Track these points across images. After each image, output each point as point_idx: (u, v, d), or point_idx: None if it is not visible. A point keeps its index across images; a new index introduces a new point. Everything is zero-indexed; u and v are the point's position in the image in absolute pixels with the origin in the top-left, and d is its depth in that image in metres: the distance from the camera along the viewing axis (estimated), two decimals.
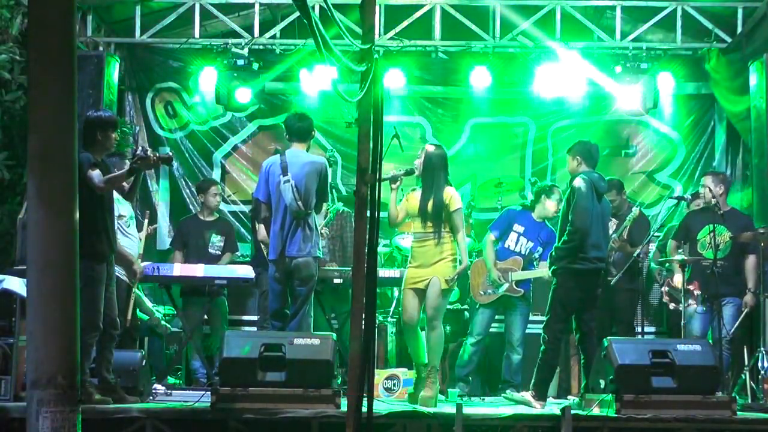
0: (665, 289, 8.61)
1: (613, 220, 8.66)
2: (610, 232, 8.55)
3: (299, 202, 7.33)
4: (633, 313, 8.69)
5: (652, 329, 9.24)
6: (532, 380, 7.19)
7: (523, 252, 8.54)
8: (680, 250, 8.39)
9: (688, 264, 8.01)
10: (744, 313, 8.21)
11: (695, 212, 8.53)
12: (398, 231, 9.10)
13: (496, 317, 8.71)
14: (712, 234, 7.99)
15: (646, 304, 8.91)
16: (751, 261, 8.26)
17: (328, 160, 9.15)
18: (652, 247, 9.08)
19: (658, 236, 9.24)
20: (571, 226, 7.06)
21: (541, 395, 6.98)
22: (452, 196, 7.34)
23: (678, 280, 8.27)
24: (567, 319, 7.17)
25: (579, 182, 7.13)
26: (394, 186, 7.35)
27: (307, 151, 7.73)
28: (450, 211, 7.28)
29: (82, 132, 6.54)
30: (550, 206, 8.47)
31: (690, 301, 8.10)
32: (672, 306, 8.57)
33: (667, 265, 8.66)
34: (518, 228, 8.55)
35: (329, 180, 7.66)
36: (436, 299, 7.26)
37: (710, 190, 8.23)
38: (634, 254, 8.40)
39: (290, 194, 7.35)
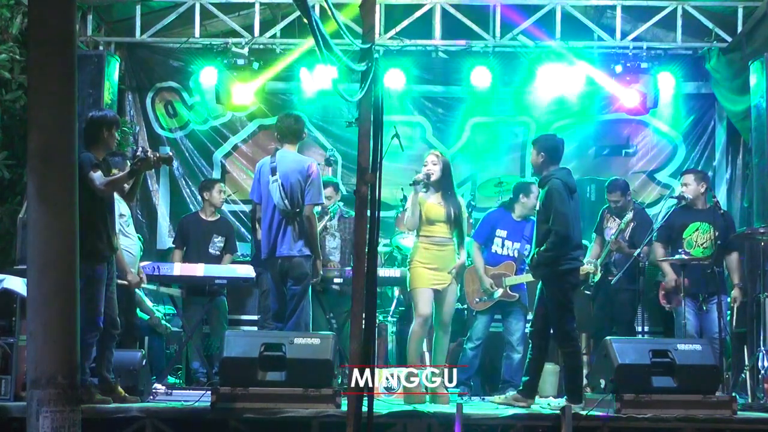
0: (662, 292, 8.61)
1: (617, 220, 8.67)
2: (612, 231, 8.56)
3: (286, 201, 7.36)
4: (633, 313, 8.69)
5: (653, 329, 9.24)
6: (567, 388, 7.14)
7: (511, 254, 8.57)
8: (680, 250, 8.39)
9: (677, 263, 8.04)
10: (734, 308, 8.24)
11: (676, 211, 8.49)
12: (398, 231, 9.10)
13: (495, 317, 8.72)
14: (699, 232, 8.03)
15: (646, 304, 8.90)
16: (734, 257, 8.29)
17: (328, 159, 9.16)
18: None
19: None
20: (554, 235, 6.94)
21: (578, 398, 6.90)
22: (462, 204, 7.66)
23: (671, 281, 8.29)
24: (574, 317, 7.08)
25: (554, 188, 6.99)
26: (419, 190, 7.42)
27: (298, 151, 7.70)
28: (463, 218, 7.58)
29: (84, 131, 6.57)
30: (529, 203, 8.51)
31: (683, 301, 8.14)
32: (668, 307, 8.59)
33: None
34: (501, 233, 8.57)
35: (319, 180, 7.51)
36: (453, 305, 7.56)
37: (701, 188, 8.27)
38: (635, 254, 8.42)
39: (278, 194, 7.39)
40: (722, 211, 8.22)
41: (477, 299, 8.55)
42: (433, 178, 7.44)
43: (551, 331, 7.16)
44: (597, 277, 8.63)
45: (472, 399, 8.09)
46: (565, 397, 6.97)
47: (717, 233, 8.11)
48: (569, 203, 6.99)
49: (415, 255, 7.52)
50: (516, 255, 8.55)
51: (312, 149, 10.27)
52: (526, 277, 8.39)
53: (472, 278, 8.60)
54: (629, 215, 8.51)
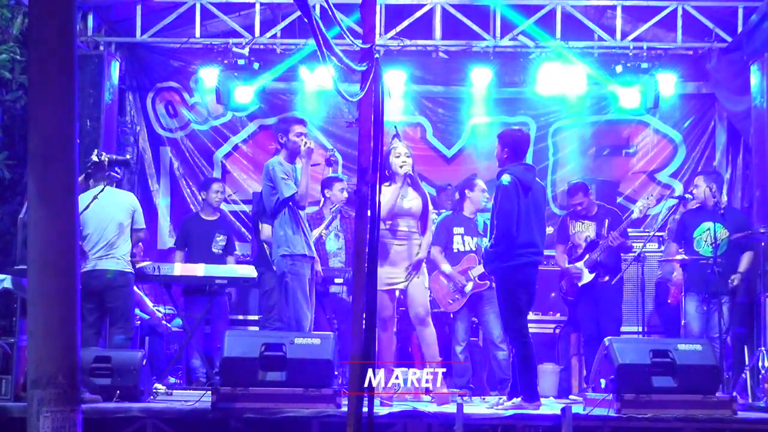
0: (672, 289, 8.62)
1: (586, 222, 8.68)
2: (588, 233, 8.58)
3: (257, 207, 7.39)
4: (620, 311, 8.70)
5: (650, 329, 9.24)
6: (518, 385, 6.99)
7: (472, 249, 8.54)
8: (681, 250, 8.40)
9: (686, 263, 8.06)
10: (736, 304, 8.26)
11: (690, 212, 8.53)
12: None
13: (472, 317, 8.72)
14: (710, 232, 8.03)
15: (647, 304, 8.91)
16: (747, 254, 8.27)
17: (329, 159, 9.16)
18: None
19: (661, 235, 9.27)
20: (495, 230, 6.92)
21: (533, 397, 6.88)
22: (429, 197, 7.62)
23: (678, 279, 8.31)
24: (522, 314, 7.01)
25: (501, 182, 6.93)
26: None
27: (293, 153, 7.45)
28: (429, 212, 7.54)
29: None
30: (475, 197, 8.56)
31: (688, 300, 8.14)
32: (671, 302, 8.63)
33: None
34: (458, 230, 8.55)
35: (274, 175, 7.26)
36: (425, 297, 7.43)
37: (711, 190, 8.27)
38: (636, 253, 8.47)
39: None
40: (722, 211, 8.22)
41: (450, 300, 8.51)
42: (406, 169, 7.38)
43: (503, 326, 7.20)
44: (587, 279, 8.59)
45: (472, 399, 8.09)
46: (521, 397, 6.85)
47: (728, 233, 8.14)
48: (517, 200, 6.87)
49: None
50: (476, 248, 8.55)
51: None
52: None
53: (439, 282, 8.53)
54: (642, 203, 8.55)
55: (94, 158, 6.86)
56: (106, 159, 6.88)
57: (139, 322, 8.48)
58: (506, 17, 9.84)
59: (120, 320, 7.67)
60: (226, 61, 9.89)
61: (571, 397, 8.45)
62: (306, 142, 7.33)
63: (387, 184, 7.31)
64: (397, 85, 10.02)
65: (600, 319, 8.53)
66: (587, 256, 8.57)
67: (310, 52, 9.59)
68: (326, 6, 5.26)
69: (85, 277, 7.38)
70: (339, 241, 8.81)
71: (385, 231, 7.31)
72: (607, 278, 8.53)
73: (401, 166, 7.34)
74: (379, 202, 5.21)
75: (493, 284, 7.45)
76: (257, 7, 9.92)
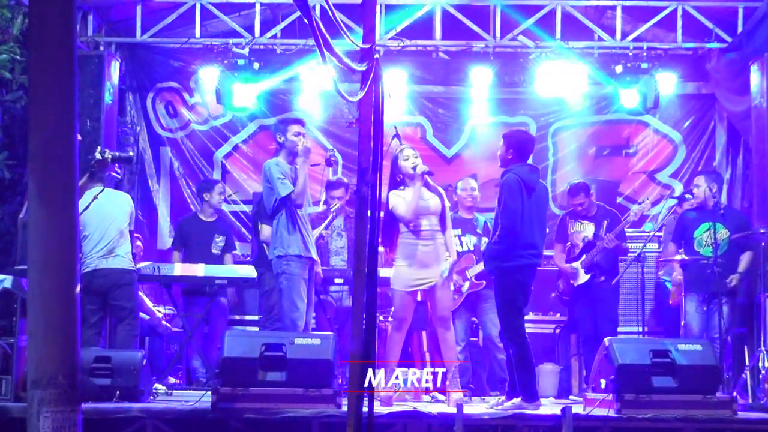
0: (673, 289, 8.63)
1: (584, 222, 8.67)
2: (586, 233, 8.57)
3: (256, 207, 7.41)
4: (616, 312, 8.70)
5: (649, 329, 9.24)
6: (517, 386, 6.95)
7: (470, 248, 8.53)
8: (681, 250, 8.41)
9: (686, 263, 8.06)
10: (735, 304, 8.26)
11: (690, 212, 8.54)
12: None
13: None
14: (711, 232, 8.04)
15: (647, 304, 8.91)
16: (747, 254, 8.27)
17: (329, 159, 9.17)
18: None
19: (660, 235, 9.27)
20: (501, 229, 6.90)
21: (532, 397, 6.87)
22: (445, 195, 7.53)
23: (677, 279, 8.31)
24: (520, 314, 7.02)
25: (507, 182, 6.93)
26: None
27: (292, 152, 7.54)
28: (447, 210, 7.50)
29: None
30: (460, 198, 8.58)
31: (688, 300, 8.15)
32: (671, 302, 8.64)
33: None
34: (455, 231, 8.53)
35: (270, 175, 7.37)
36: (450, 300, 7.48)
37: (711, 190, 8.28)
38: (636, 253, 8.47)
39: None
40: (722, 211, 8.22)
41: None
42: (422, 168, 7.34)
43: (500, 326, 7.17)
44: (583, 280, 8.58)
45: (472, 399, 8.08)
46: (521, 396, 6.84)
47: (728, 233, 8.14)
48: (521, 200, 6.87)
49: (398, 252, 7.37)
50: (474, 249, 8.54)
51: (312, 149, 10.26)
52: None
53: None
54: (642, 206, 8.57)
55: (98, 155, 6.86)
56: (110, 156, 6.90)
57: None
58: (506, 17, 9.84)
59: (127, 317, 7.70)
60: (226, 61, 9.88)
61: (571, 397, 8.45)
62: (303, 142, 7.36)
63: (402, 188, 7.33)
64: (397, 85, 10.01)
65: (597, 320, 8.53)
66: (584, 257, 8.56)
67: (310, 52, 9.57)
68: (326, 6, 5.26)
69: (89, 277, 7.42)
70: (342, 239, 8.82)
71: (408, 233, 7.29)
72: (603, 279, 8.53)
73: (414, 167, 7.30)
74: (380, 202, 5.21)
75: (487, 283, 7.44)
76: (257, 7, 9.91)
